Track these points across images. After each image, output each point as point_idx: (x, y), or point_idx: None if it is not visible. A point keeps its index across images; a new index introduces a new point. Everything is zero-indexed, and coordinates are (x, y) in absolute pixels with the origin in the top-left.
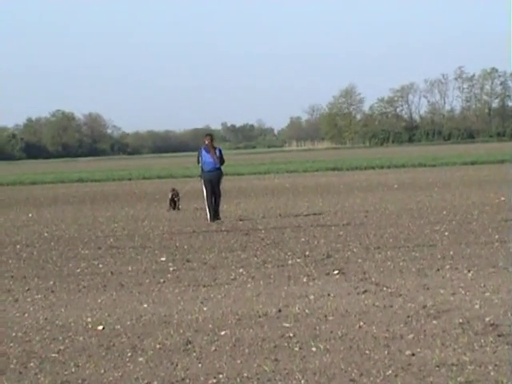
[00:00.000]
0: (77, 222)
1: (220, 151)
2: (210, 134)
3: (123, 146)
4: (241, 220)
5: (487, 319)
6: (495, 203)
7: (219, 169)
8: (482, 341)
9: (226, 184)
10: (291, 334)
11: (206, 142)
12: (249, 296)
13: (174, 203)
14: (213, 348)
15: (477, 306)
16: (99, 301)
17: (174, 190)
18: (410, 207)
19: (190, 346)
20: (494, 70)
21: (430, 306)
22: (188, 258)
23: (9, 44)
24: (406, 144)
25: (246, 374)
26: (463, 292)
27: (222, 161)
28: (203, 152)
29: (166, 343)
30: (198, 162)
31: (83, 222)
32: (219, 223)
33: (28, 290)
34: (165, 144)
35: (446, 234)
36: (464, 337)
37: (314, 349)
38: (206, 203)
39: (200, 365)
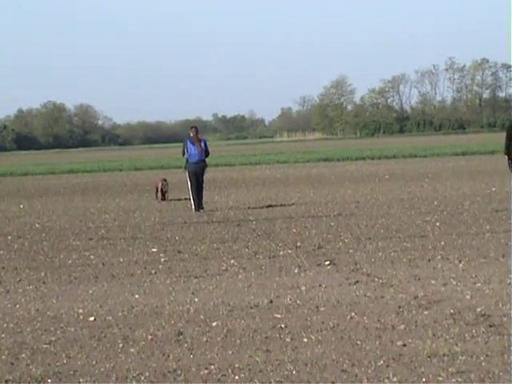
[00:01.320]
0: (68, 213)
1: (205, 143)
2: (194, 127)
3: (114, 137)
4: (231, 210)
5: (478, 309)
6: (486, 194)
7: (204, 160)
8: (474, 331)
9: (217, 175)
10: (283, 325)
11: (192, 135)
12: (240, 287)
13: (162, 194)
14: (204, 339)
15: (468, 297)
16: (90, 292)
17: (164, 180)
18: (401, 198)
19: (181, 336)
20: (485, 60)
21: (422, 297)
22: (179, 249)
23: None
24: (396, 135)
25: (237, 365)
26: (454, 282)
27: (206, 153)
28: (189, 144)
29: (158, 334)
30: (183, 154)
31: (74, 213)
32: (206, 213)
33: (19, 281)
34: (156, 135)
35: (437, 224)
36: (455, 327)
37: (305, 340)
38: (190, 194)
39: (191, 356)
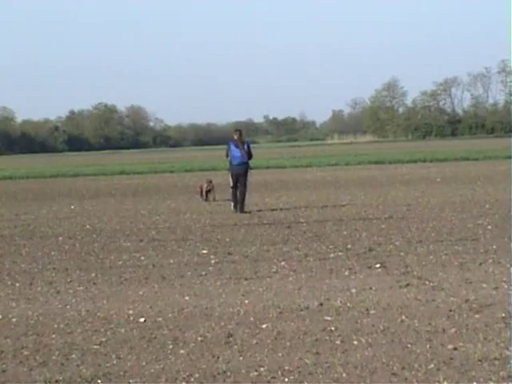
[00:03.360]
0: (119, 215)
1: (248, 145)
2: (239, 130)
3: (165, 139)
4: (282, 212)
5: None
6: None
7: (247, 163)
8: None
9: (267, 177)
10: (333, 328)
11: (235, 137)
12: (290, 289)
13: (206, 194)
14: (254, 341)
15: None
16: (141, 293)
17: (210, 181)
18: (453, 201)
19: (231, 338)
20: None
21: (473, 300)
22: (230, 251)
23: (51, 37)
24: (448, 137)
25: (287, 367)
26: (506, 286)
27: (249, 155)
28: (232, 146)
29: (208, 336)
30: (227, 156)
31: (125, 215)
32: (257, 215)
33: (70, 281)
34: (207, 137)
35: (489, 227)
36: (506, 331)
37: (355, 342)
38: (231, 194)
39: (241, 357)
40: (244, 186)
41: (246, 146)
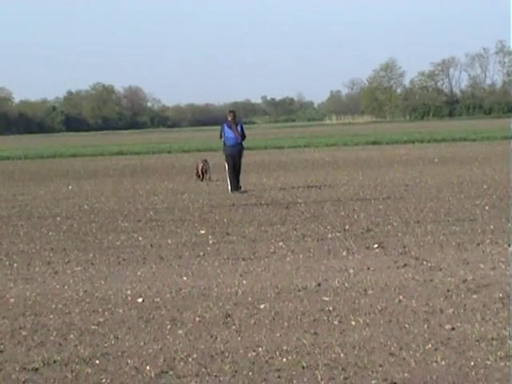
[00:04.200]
0: (116, 195)
1: (242, 127)
2: (232, 111)
3: (163, 119)
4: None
5: None
6: None
7: (241, 144)
8: None
9: (265, 157)
10: (330, 308)
11: (229, 119)
12: (288, 270)
13: (203, 173)
14: (252, 321)
15: None
16: (139, 273)
17: (205, 161)
18: (451, 181)
19: (229, 319)
20: None
21: (470, 281)
22: (227, 232)
23: (49, 17)
24: (446, 118)
25: (285, 348)
26: (503, 266)
27: (243, 136)
28: (226, 128)
29: (206, 316)
30: (221, 137)
31: (123, 195)
32: (255, 196)
33: (68, 262)
34: (204, 117)
35: (487, 208)
36: (504, 311)
37: (353, 323)
38: (227, 175)
39: (239, 338)
40: (239, 166)
41: (239, 128)
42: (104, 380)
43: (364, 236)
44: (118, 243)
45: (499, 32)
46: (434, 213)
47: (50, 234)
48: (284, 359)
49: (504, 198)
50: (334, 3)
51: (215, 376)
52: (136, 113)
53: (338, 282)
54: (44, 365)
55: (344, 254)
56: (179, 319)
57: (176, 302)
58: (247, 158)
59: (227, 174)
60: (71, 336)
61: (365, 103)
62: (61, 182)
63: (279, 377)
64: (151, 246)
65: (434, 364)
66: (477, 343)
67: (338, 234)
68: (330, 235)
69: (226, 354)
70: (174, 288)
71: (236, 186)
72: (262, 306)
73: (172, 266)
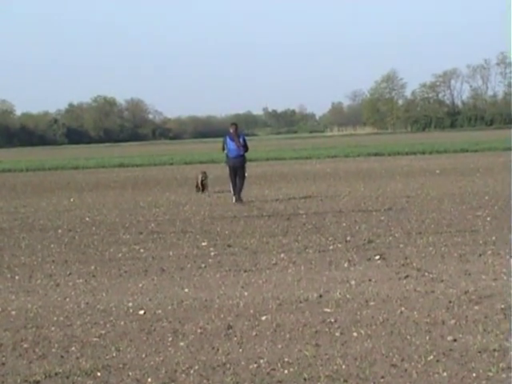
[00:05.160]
0: (118, 207)
1: (244, 139)
2: (234, 123)
3: (165, 131)
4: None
5: None
6: None
7: (243, 155)
8: None
9: (267, 169)
10: (332, 320)
11: (231, 131)
12: (290, 281)
13: (202, 185)
14: (254, 333)
15: None
16: (140, 285)
17: (204, 173)
18: (452, 192)
19: (230, 330)
20: None
21: (472, 292)
22: (229, 243)
23: (50, 30)
24: (448, 129)
25: (286, 359)
26: (505, 278)
27: (245, 148)
28: (228, 140)
29: (207, 328)
30: (223, 149)
31: (124, 207)
32: (256, 207)
33: (69, 274)
34: (206, 129)
35: (488, 219)
36: (506, 322)
37: (355, 334)
38: (230, 187)
39: (241, 350)
40: (241, 178)
41: (241, 139)
42: None
43: (366, 247)
44: (120, 255)
45: (500, 43)
46: (435, 224)
47: (52, 246)
48: (286, 371)
49: (506, 209)
50: (335, 15)
51: None
52: (138, 125)
53: (340, 293)
54: (46, 377)
55: (346, 265)
56: (181, 331)
57: (177, 313)
58: (249, 169)
59: (230, 185)
60: (73, 348)
61: (366, 115)
62: (62, 195)
63: None
64: (153, 258)
65: (436, 375)
66: (479, 354)
67: (339, 246)
68: (331, 247)
69: (228, 365)
70: (175, 300)
71: (238, 195)
72: (263, 318)
73: (174, 278)
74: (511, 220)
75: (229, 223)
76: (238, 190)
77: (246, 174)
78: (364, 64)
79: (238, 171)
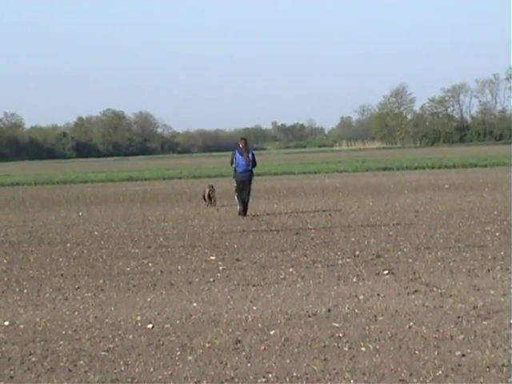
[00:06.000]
0: (127, 221)
1: (253, 154)
2: (244, 138)
3: (173, 145)
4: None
5: None
6: None
7: (251, 170)
8: None
9: (275, 183)
10: (341, 334)
11: (240, 146)
12: (298, 296)
13: (210, 199)
14: (262, 347)
15: None
16: (149, 299)
17: (211, 186)
18: (461, 207)
19: (239, 345)
20: None
21: (481, 307)
22: (238, 257)
23: (60, 44)
24: (456, 144)
25: (295, 374)
26: None
27: (254, 163)
28: (237, 154)
29: (216, 342)
30: (232, 164)
31: (133, 221)
32: (265, 222)
33: (78, 288)
34: (215, 143)
35: (497, 234)
36: None
37: (363, 349)
38: (237, 200)
39: (249, 364)
40: (248, 193)
41: (250, 155)
42: None
43: (374, 262)
44: (128, 269)
45: (509, 58)
46: (444, 239)
47: (61, 260)
48: None
49: None
50: (344, 29)
51: None
52: (146, 139)
53: (348, 308)
54: None
55: (354, 280)
56: (189, 345)
57: (186, 328)
58: (258, 183)
59: (236, 199)
60: (81, 362)
61: (375, 129)
62: (71, 208)
63: None
64: (161, 272)
65: None
66: (487, 370)
67: (348, 260)
68: (340, 261)
69: (236, 380)
70: (183, 314)
71: (244, 211)
72: (271, 332)
73: (182, 292)
74: None
75: (237, 237)
76: (244, 205)
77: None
78: (373, 78)
79: (245, 186)
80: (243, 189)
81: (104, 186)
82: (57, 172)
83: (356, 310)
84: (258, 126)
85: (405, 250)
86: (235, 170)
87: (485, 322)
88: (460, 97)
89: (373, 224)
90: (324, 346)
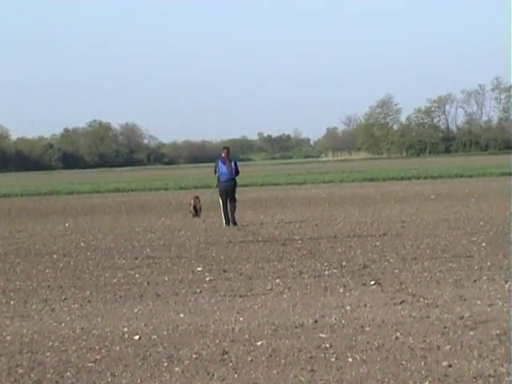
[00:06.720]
0: (113, 232)
1: (236, 163)
2: (226, 147)
3: (160, 156)
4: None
5: None
6: None
7: (234, 179)
8: None
9: (262, 194)
10: (327, 345)
11: (223, 154)
12: (285, 306)
13: (195, 210)
14: (249, 358)
15: None
16: (136, 311)
17: (197, 197)
18: (447, 218)
19: (226, 356)
20: None
21: (467, 317)
22: (224, 268)
23: (45, 54)
24: (442, 154)
25: None
26: (500, 303)
27: (236, 172)
28: (220, 163)
29: (203, 353)
30: (215, 173)
31: (120, 232)
32: (251, 233)
33: (65, 299)
34: (201, 154)
35: (483, 244)
36: (501, 348)
37: (350, 359)
38: (221, 210)
39: (236, 375)
40: (233, 201)
41: (233, 164)
42: None
43: (361, 273)
44: (115, 280)
45: (495, 69)
46: (430, 249)
47: (47, 271)
48: None
49: (501, 235)
50: (330, 39)
51: None
52: (133, 150)
53: (335, 318)
54: None
55: (341, 290)
56: (176, 356)
57: (173, 339)
58: (244, 194)
59: (221, 208)
60: (68, 374)
61: (361, 140)
62: (58, 220)
63: None
64: (148, 283)
65: None
66: (474, 380)
67: (334, 271)
68: (326, 272)
69: None
70: (170, 325)
71: (230, 220)
72: (258, 343)
73: (169, 303)
74: (510, 246)
75: (224, 248)
76: (231, 214)
77: (237, 196)
78: (359, 89)
79: (229, 195)
80: (227, 197)
81: (90, 197)
82: (43, 183)
83: (343, 321)
84: (244, 136)
85: (391, 260)
86: (218, 180)
87: (471, 333)
88: (446, 107)
89: (359, 235)
90: (311, 357)
